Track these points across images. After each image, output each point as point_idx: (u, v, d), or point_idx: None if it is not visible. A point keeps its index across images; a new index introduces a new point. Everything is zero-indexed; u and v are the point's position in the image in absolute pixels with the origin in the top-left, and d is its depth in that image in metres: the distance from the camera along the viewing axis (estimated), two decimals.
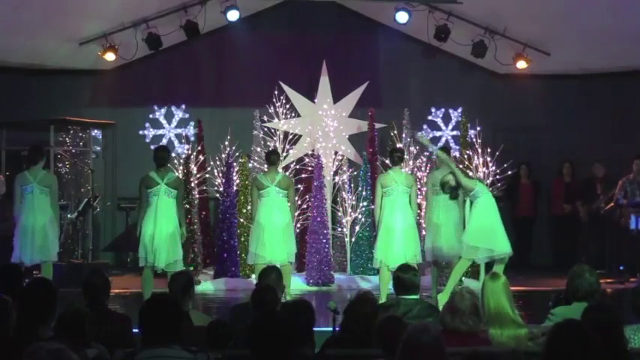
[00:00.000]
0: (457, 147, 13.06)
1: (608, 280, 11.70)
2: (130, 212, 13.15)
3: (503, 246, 9.37)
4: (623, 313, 4.64)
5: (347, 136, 13.20)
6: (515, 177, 13.49)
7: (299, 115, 13.18)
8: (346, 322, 5.14)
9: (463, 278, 10.96)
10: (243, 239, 11.69)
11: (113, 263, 13.38)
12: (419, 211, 11.05)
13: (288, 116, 12.90)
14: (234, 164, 12.21)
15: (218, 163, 12.68)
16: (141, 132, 13.62)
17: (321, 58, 13.33)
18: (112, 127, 13.55)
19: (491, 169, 12.19)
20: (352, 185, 12.33)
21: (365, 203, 12.00)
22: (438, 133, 13.69)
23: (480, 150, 12.19)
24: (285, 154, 12.55)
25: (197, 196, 12.67)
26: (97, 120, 13.30)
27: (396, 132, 12.49)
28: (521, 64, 13.30)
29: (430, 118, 13.71)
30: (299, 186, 12.10)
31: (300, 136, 13.02)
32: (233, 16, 12.71)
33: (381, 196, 10.05)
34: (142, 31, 12.85)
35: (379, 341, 4.44)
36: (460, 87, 13.93)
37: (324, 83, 13.18)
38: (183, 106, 13.65)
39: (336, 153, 12.88)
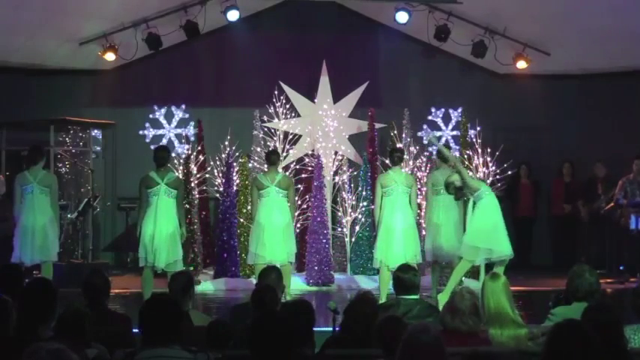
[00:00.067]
0: (457, 147, 13.06)
1: (608, 280, 11.71)
2: (130, 212, 13.15)
3: (503, 248, 9.35)
4: (623, 313, 4.63)
5: (347, 136, 13.20)
6: (515, 177, 13.49)
7: (299, 115, 13.18)
8: (346, 322, 5.14)
9: (463, 278, 10.95)
10: (243, 239, 11.69)
11: (113, 263, 13.38)
12: (419, 211, 11.05)
13: (288, 116, 12.90)
14: (234, 164, 12.21)
15: (218, 163, 12.68)
16: (141, 132, 13.63)
17: (321, 58, 13.33)
18: (112, 127, 13.56)
19: (491, 169, 12.19)
20: (352, 185, 12.33)
21: (365, 203, 12.00)
22: (438, 133, 13.68)
23: (479, 150, 12.20)
24: (285, 154, 12.55)
25: (197, 196, 12.67)
26: (97, 120, 13.31)
27: (396, 132, 12.49)
28: (521, 64, 13.30)
29: (430, 118, 13.72)
30: (299, 186, 12.10)
31: (300, 136, 13.02)
32: (233, 16, 12.71)
33: (381, 196, 10.06)
34: (142, 31, 12.85)
35: (379, 341, 4.44)
36: (460, 87, 13.93)
37: (324, 83, 13.18)
38: (183, 106, 13.65)
39: (336, 153, 12.88)
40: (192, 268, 11.65)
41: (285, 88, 13.24)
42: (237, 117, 13.17)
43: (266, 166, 11.26)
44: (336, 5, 13.81)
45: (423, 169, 12.38)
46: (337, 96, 13.25)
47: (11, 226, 10.00)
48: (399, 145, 11.97)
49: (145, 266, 9.44)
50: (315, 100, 13.15)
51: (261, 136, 12.59)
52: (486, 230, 9.35)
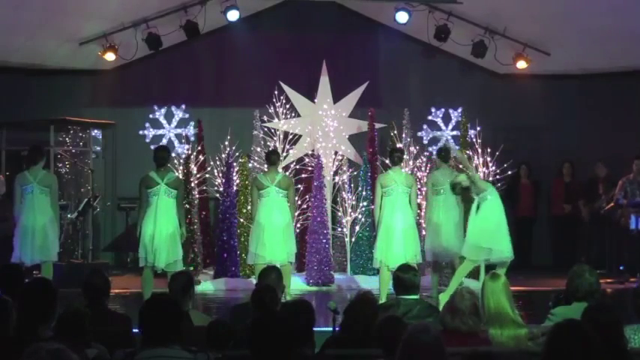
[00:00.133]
0: (457, 147, 13.05)
1: (608, 280, 11.70)
2: (130, 212, 13.15)
3: (503, 248, 9.38)
4: (623, 313, 4.63)
5: (347, 136, 13.20)
6: (515, 177, 13.49)
7: (299, 115, 13.18)
8: (346, 322, 5.14)
9: (463, 278, 10.96)
10: (243, 239, 11.69)
11: (113, 263, 13.38)
12: (419, 211, 11.05)
13: (288, 116, 12.90)
14: (234, 164, 12.21)
15: (218, 163, 12.68)
16: (141, 132, 13.63)
17: (321, 58, 13.33)
18: (112, 127, 13.56)
19: (491, 169, 12.20)
20: (352, 185, 12.33)
21: (365, 203, 12.00)
22: (438, 133, 13.69)
23: (480, 150, 12.20)
24: (285, 154, 12.54)
25: (197, 196, 12.67)
26: (97, 120, 13.31)
27: (396, 132, 12.49)
28: (521, 64, 13.30)
29: (430, 118, 13.71)
30: (299, 186, 12.10)
31: (300, 136, 13.02)
32: (233, 16, 12.71)
33: (381, 196, 10.06)
34: (142, 31, 12.85)
35: (379, 341, 4.45)
36: (460, 87, 13.93)
37: (324, 83, 13.19)
38: (183, 106, 13.65)
39: (336, 153, 12.88)
40: (192, 268, 11.65)
41: (285, 88, 13.24)
42: (237, 117, 13.17)
43: (266, 166, 11.25)
44: (336, 5, 13.81)
45: (423, 169, 12.38)
46: (337, 96, 13.26)
47: (11, 226, 9.99)
48: (399, 145, 11.97)
49: (145, 266, 9.44)
50: (315, 100, 13.15)
51: (261, 136, 12.59)
52: (489, 230, 9.38)
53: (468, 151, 12.25)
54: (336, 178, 12.52)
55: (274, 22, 13.93)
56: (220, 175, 12.46)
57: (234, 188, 12.01)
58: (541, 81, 14.00)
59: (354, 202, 12.15)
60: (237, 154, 12.38)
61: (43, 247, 9.69)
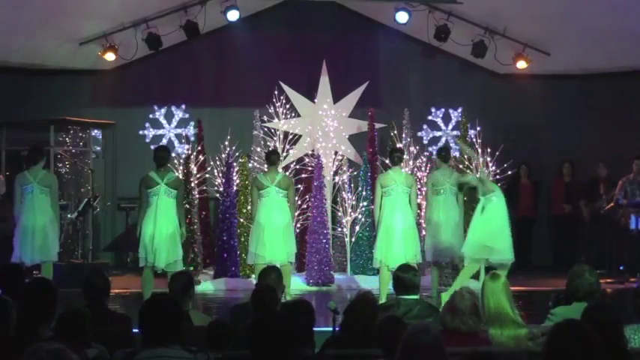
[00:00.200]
0: (457, 147, 13.06)
1: (608, 280, 11.70)
2: (130, 212, 13.15)
3: (505, 250, 9.42)
4: (623, 313, 4.63)
5: (347, 136, 13.20)
6: (515, 177, 13.48)
7: (299, 115, 13.18)
8: (346, 322, 5.14)
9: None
10: (243, 239, 11.69)
11: (113, 263, 13.38)
12: (419, 211, 11.05)
13: (288, 116, 12.90)
14: (234, 164, 12.21)
15: (218, 163, 12.68)
16: (141, 132, 13.63)
17: (321, 58, 13.33)
18: (112, 127, 13.56)
19: (491, 169, 12.19)
20: (352, 185, 12.33)
21: (365, 203, 12.00)
22: (438, 133, 13.69)
23: (480, 150, 12.19)
24: (285, 154, 12.54)
25: (197, 196, 12.67)
26: (97, 120, 13.31)
27: (396, 132, 12.48)
28: (521, 64, 13.30)
29: (430, 118, 13.72)
30: (299, 186, 12.10)
31: (300, 136, 13.02)
32: (233, 16, 12.71)
33: (381, 196, 10.06)
34: (142, 31, 12.85)
35: (379, 341, 4.45)
36: (460, 87, 13.93)
37: (324, 83, 13.19)
38: (183, 106, 13.66)
39: (336, 153, 12.88)
40: (192, 268, 11.64)
41: (285, 88, 13.24)
42: (237, 117, 13.17)
43: (266, 166, 11.25)
44: (336, 5, 13.81)
45: (423, 169, 12.38)
46: (337, 96, 13.26)
47: (11, 226, 9.99)
48: (399, 145, 11.97)
49: (145, 266, 9.44)
50: (315, 100, 13.15)
51: (261, 136, 12.59)
52: (492, 231, 9.45)
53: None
54: (336, 178, 12.52)
55: (274, 22, 13.93)
56: (220, 175, 12.46)
57: (234, 188, 12.01)
58: (541, 81, 14.00)
59: (354, 202, 12.15)
60: (237, 154, 12.38)
61: (43, 247, 9.69)
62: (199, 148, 13.01)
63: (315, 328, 5.02)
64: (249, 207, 11.62)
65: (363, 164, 12.37)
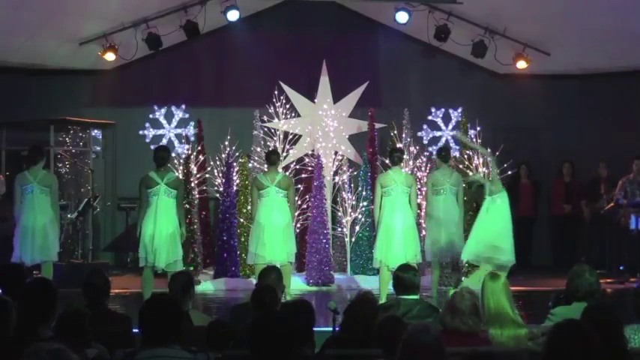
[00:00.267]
0: (457, 147, 13.06)
1: (608, 280, 11.71)
2: (130, 212, 13.16)
3: (506, 251, 9.51)
4: (623, 313, 4.63)
5: (347, 136, 13.20)
6: (515, 177, 13.48)
7: (299, 115, 13.18)
8: (346, 322, 5.14)
9: (463, 278, 10.98)
10: (243, 239, 11.69)
11: (113, 263, 13.38)
12: (419, 211, 11.05)
13: (288, 116, 12.90)
14: (234, 164, 12.21)
15: (218, 163, 12.68)
16: (141, 132, 13.63)
17: (321, 58, 13.33)
18: (112, 127, 13.56)
19: (491, 169, 12.18)
20: (352, 185, 12.33)
21: (365, 203, 12.00)
22: (438, 133, 13.69)
23: (480, 151, 12.17)
24: (285, 154, 12.54)
25: (197, 196, 12.67)
26: (97, 120, 13.31)
27: (396, 132, 12.48)
28: (521, 64, 13.31)
29: (430, 118, 13.72)
30: (299, 186, 12.10)
31: (300, 136, 13.02)
32: (233, 16, 12.71)
33: (381, 195, 10.06)
34: (142, 31, 12.85)
35: (379, 341, 4.45)
36: (460, 87, 13.93)
37: (324, 83, 13.19)
38: (183, 106, 13.65)
39: (336, 153, 12.88)
40: (192, 268, 11.65)
41: (285, 88, 13.24)
42: (237, 117, 13.17)
43: (266, 166, 11.25)
44: (336, 5, 13.81)
45: (423, 169, 12.38)
46: (337, 96, 13.26)
47: (11, 226, 9.99)
48: (399, 145, 11.97)
49: (145, 266, 9.44)
50: (315, 100, 13.15)
51: (261, 136, 12.58)
52: (497, 230, 9.50)
53: (467, 151, 12.26)
54: (336, 178, 12.52)
55: (274, 22, 13.93)
56: (220, 175, 12.46)
57: (234, 188, 12.01)
58: (541, 81, 14.00)
59: (354, 202, 12.15)
60: (237, 154, 12.38)
61: (43, 247, 9.69)
62: (199, 148, 13.01)
63: (315, 328, 5.02)
64: (249, 207, 11.62)
65: (363, 164, 12.37)
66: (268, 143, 12.49)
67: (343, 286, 11.65)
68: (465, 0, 12.37)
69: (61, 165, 12.80)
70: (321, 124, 12.96)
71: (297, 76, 13.51)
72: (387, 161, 10.95)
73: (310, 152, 12.84)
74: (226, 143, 12.48)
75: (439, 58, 13.91)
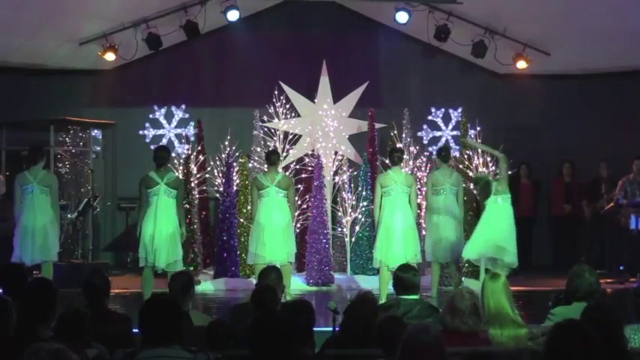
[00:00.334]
0: (457, 147, 13.07)
1: (608, 280, 11.70)
2: (130, 212, 13.16)
3: (510, 251, 9.60)
4: (623, 313, 4.63)
5: (347, 136, 13.20)
6: (515, 177, 13.46)
7: (299, 115, 13.18)
8: (346, 322, 5.14)
9: (463, 278, 10.99)
10: (243, 239, 11.69)
11: (113, 263, 13.38)
12: (419, 211, 11.05)
13: (288, 116, 12.90)
14: (234, 164, 12.21)
15: (218, 163, 12.68)
16: (141, 132, 13.63)
17: (321, 58, 13.33)
18: (112, 127, 13.56)
19: (491, 169, 12.18)
20: (352, 185, 12.33)
21: (365, 203, 12.00)
22: (438, 133, 13.69)
23: (479, 150, 12.19)
24: (285, 154, 12.55)
25: (197, 196, 12.67)
26: (97, 120, 13.31)
27: (396, 132, 12.48)
28: (521, 64, 13.30)
29: (430, 118, 13.72)
30: (299, 186, 12.10)
31: (300, 136, 13.02)
32: (233, 16, 12.71)
33: (381, 195, 10.06)
34: (142, 31, 12.85)
35: (379, 341, 4.45)
36: (460, 87, 13.93)
37: (324, 83, 13.19)
38: (183, 106, 13.66)
39: (336, 153, 12.88)
40: (192, 268, 11.65)
41: (285, 88, 13.24)
42: (237, 117, 13.17)
43: (266, 166, 11.26)
44: (336, 5, 13.81)
45: (423, 169, 12.38)
46: (337, 96, 13.26)
47: (11, 226, 9.99)
48: (398, 145, 11.97)
49: (145, 266, 9.45)
50: (315, 100, 13.15)
51: (261, 136, 12.58)
52: (502, 231, 9.65)
53: (468, 151, 12.26)
54: (336, 178, 12.52)
55: (274, 22, 13.93)
56: (220, 175, 12.46)
57: (234, 188, 12.01)
58: (541, 81, 14.00)
59: (354, 202, 12.15)
60: (237, 154, 12.38)
61: (43, 247, 9.69)
62: (199, 148, 13.01)
63: (315, 328, 5.02)
64: (249, 207, 11.62)
65: (363, 164, 12.37)
66: (268, 143, 12.49)
67: (343, 286, 11.65)
68: (465, 0, 12.37)
69: (61, 165, 12.80)
70: (321, 124, 12.96)
71: (297, 76, 13.52)
72: (387, 161, 10.95)
73: (310, 152, 12.84)
74: (226, 143, 12.48)
75: (439, 58, 13.91)
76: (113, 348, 4.52)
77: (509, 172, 12.50)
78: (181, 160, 12.80)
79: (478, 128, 12.42)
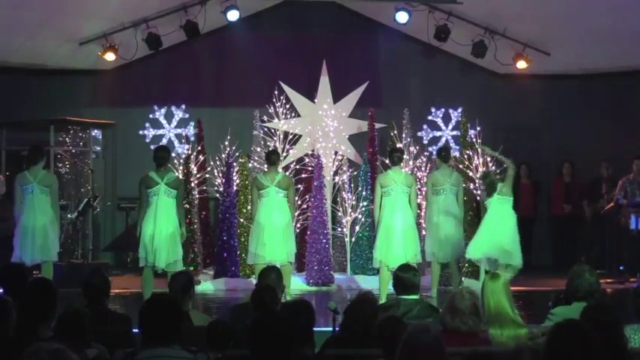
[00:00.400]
0: (457, 147, 13.06)
1: (608, 280, 11.70)
2: (130, 212, 13.16)
3: (515, 253, 9.75)
4: (623, 313, 4.63)
5: (347, 136, 13.20)
6: (516, 177, 13.41)
7: (299, 115, 13.18)
8: (346, 322, 5.14)
9: (463, 278, 10.99)
10: (243, 239, 11.69)
11: (113, 263, 13.38)
12: (419, 211, 11.05)
13: (288, 116, 12.90)
14: (234, 164, 12.21)
15: (218, 163, 12.68)
16: (141, 132, 13.63)
17: (321, 58, 13.33)
18: (112, 127, 13.56)
19: (491, 169, 12.18)
20: (352, 185, 12.33)
21: (365, 203, 11.99)
22: (438, 133, 13.69)
23: (480, 150, 12.19)
24: (285, 154, 12.54)
25: (197, 196, 12.67)
26: (97, 120, 13.31)
27: (396, 132, 12.48)
28: (521, 64, 13.30)
29: (430, 118, 13.72)
30: (299, 186, 12.10)
31: (300, 136, 13.02)
32: (233, 16, 12.71)
33: (381, 195, 10.06)
34: (142, 31, 12.85)
35: (379, 341, 4.45)
36: (460, 87, 13.93)
37: (324, 83, 13.19)
38: (183, 106, 13.66)
39: (336, 153, 12.88)
40: (192, 268, 11.64)
41: (285, 88, 13.24)
42: (237, 117, 13.17)
43: (266, 166, 11.26)
44: (336, 5, 13.81)
45: (423, 169, 12.38)
46: (337, 96, 13.26)
47: (11, 226, 9.99)
48: (398, 145, 11.97)
49: (145, 266, 9.45)
50: (315, 100, 13.15)
51: (261, 136, 12.59)
52: (507, 234, 9.81)
53: (467, 151, 12.26)
54: (336, 178, 12.52)
55: (274, 22, 13.93)
56: (220, 175, 12.46)
57: (234, 188, 12.01)
58: (541, 81, 14.00)
59: (354, 202, 12.15)
60: (237, 154, 12.38)
61: (43, 247, 9.69)
62: (199, 148, 13.01)
63: (315, 328, 5.02)
64: (249, 207, 11.62)
65: (363, 164, 12.37)
66: (268, 143, 12.49)
67: (343, 286, 11.65)
68: (465, 0, 12.37)
69: (61, 165, 12.80)
70: (321, 124, 12.96)
71: (297, 76, 13.52)
72: (387, 161, 10.95)
73: (310, 152, 12.84)
74: (226, 143, 12.48)
75: (439, 58, 13.91)
76: (113, 348, 4.52)
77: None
78: (181, 160, 12.80)
79: (478, 128, 12.41)
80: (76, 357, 3.36)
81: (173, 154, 12.36)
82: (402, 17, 12.83)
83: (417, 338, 3.58)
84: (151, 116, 13.65)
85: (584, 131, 13.80)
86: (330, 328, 5.74)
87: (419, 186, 11.53)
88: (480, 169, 12.05)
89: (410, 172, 11.75)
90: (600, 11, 12.05)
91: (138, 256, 9.61)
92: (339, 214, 12.18)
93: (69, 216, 12.27)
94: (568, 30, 12.73)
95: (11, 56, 12.65)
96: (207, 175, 12.77)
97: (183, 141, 13.48)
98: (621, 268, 12.28)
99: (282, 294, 6.36)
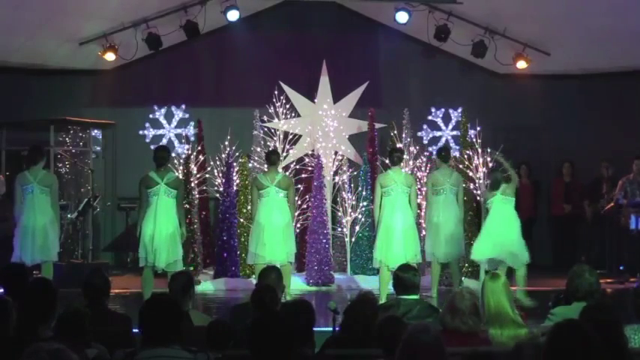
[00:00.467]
0: (457, 147, 13.06)
1: (608, 280, 11.70)
2: (130, 212, 13.16)
3: (522, 252, 10.04)
4: (623, 313, 4.63)
5: (347, 136, 13.20)
6: None
7: (299, 115, 13.18)
8: (346, 322, 5.14)
9: (463, 278, 10.98)
10: (243, 239, 11.69)
11: (113, 263, 13.38)
12: (419, 211, 11.05)
13: (288, 116, 12.90)
14: (234, 164, 12.21)
15: (218, 163, 12.68)
16: (141, 132, 13.63)
17: (321, 58, 13.33)
18: (112, 127, 13.56)
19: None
20: (352, 185, 12.33)
21: (365, 203, 11.99)
22: (438, 133, 13.69)
23: (479, 150, 12.19)
24: (285, 154, 12.54)
25: (197, 196, 12.67)
26: (97, 120, 13.31)
27: (396, 132, 12.48)
28: (521, 64, 13.30)
29: (430, 118, 13.72)
30: (299, 186, 12.10)
31: (300, 136, 13.02)
32: (233, 16, 12.71)
33: (381, 195, 10.06)
34: (142, 31, 12.85)
35: (379, 341, 4.45)
36: (460, 87, 13.93)
37: (324, 83, 13.19)
38: (183, 106, 13.66)
39: (336, 153, 12.88)
40: (192, 268, 11.64)
41: (285, 88, 13.24)
42: (237, 117, 13.17)
43: (266, 166, 11.25)
44: (336, 5, 13.81)
45: (423, 169, 12.38)
46: (337, 96, 13.26)
47: (11, 226, 9.99)
48: (398, 145, 11.97)
49: (145, 266, 9.44)
50: (315, 100, 13.15)
51: (261, 136, 12.59)
52: (512, 237, 9.98)
53: (467, 151, 12.25)
54: (336, 178, 12.52)
55: (274, 22, 13.93)
56: (220, 175, 12.46)
57: (234, 188, 12.01)
58: (541, 81, 14.00)
59: (354, 202, 12.14)
60: (237, 154, 12.38)
61: (43, 247, 9.69)
62: (199, 148, 13.01)
63: (315, 328, 5.02)
64: (249, 207, 11.62)
65: (363, 164, 12.37)
66: (268, 143, 12.49)
67: (343, 286, 11.65)
68: (465, 0, 12.37)
69: (61, 165, 12.79)
70: (321, 124, 12.96)
71: (297, 76, 13.52)
72: (387, 161, 10.95)
73: (310, 152, 12.84)
74: (226, 143, 12.48)
75: (439, 58, 13.91)
76: (113, 348, 4.52)
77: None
78: (181, 160, 12.80)
79: (478, 128, 12.41)
80: (76, 357, 3.36)
81: (173, 154, 12.36)
82: (402, 17, 12.83)
83: (417, 338, 3.58)
84: (150, 116, 13.65)
85: (584, 131, 13.80)
86: (330, 328, 5.74)
87: (419, 186, 11.53)
88: (480, 169, 12.05)
89: (410, 172, 11.75)
90: (600, 11, 12.05)
91: (138, 256, 9.60)
92: (339, 214, 12.18)
93: (69, 216, 12.27)
94: (568, 30, 12.73)
95: (11, 56, 12.66)
96: (207, 175, 12.77)
97: (183, 141, 13.48)
98: (621, 268, 12.27)
99: (282, 294, 6.36)
